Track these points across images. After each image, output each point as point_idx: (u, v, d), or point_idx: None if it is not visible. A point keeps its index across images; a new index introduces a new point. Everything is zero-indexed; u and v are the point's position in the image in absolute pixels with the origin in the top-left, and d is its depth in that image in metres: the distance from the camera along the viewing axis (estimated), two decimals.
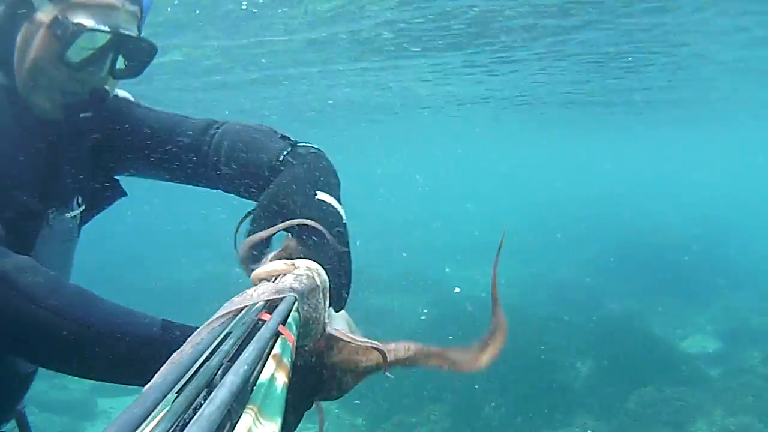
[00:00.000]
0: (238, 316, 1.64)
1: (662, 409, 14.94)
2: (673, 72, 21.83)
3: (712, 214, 42.89)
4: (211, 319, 1.60)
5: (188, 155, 2.83)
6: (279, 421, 1.39)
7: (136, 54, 2.76)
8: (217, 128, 2.80)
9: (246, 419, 1.30)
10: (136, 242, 36.01)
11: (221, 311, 1.64)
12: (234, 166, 2.74)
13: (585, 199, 49.77)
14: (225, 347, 1.48)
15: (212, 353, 1.45)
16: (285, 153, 2.60)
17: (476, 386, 15.97)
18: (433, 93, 25.98)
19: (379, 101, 27.99)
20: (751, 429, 13.83)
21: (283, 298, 1.78)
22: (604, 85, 24.42)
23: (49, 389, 16.42)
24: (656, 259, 28.45)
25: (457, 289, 23.48)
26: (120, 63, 2.70)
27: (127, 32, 2.58)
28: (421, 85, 24.22)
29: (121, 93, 3.08)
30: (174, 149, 2.85)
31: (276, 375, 1.50)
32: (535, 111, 32.32)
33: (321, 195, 2.40)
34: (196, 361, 1.38)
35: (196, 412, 1.22)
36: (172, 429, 1.20)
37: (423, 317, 20.80)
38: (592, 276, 27.93)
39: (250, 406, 1.35)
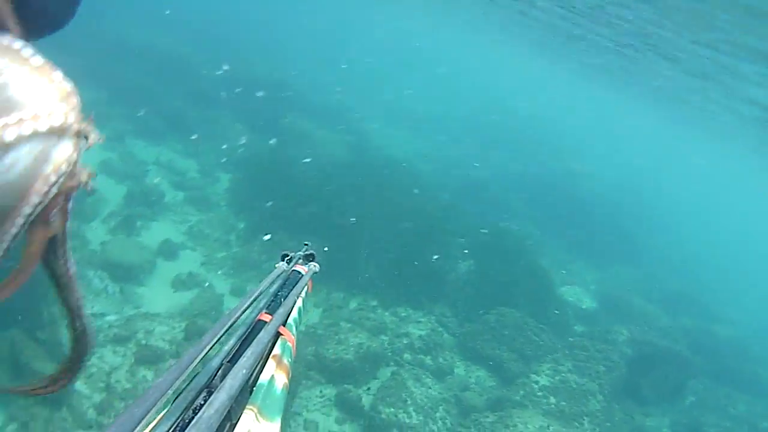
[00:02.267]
0: (239, 315, 1.64)
1: (516, 335, 15.21)
2: None
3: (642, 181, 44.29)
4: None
5: None
6: (279, 421, 1.41)
7: None
8: None
9: (246, 419, 1.33)
10: None
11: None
12: None
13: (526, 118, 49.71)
14: (225, 348, 1.53)
15: (212, 354, 1.48)
16: None
17: (365, 251, 16.66)
18: None
19: None
20: (590, 391, 13.85)
21: None
22: None
23: None
24: (572, 199, 29.05)
25: None
26: None
27: None
28: None
29: None
30: None
31: (276, 375, 1.52)
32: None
33: None
34: (196, 362, 1.37)
35: (196, 413, 1.27)
36: (172, 429, 1.24)
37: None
38: (514, 191, 28.30)
39: (251, 406, 1.37)
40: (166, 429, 1.21)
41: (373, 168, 21.37)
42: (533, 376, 13.97)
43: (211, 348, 1.43)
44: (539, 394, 13.44)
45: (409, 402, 12.24)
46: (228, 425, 1.30)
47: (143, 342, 11.66)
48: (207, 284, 15.20)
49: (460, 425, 12.15)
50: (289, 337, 1.67)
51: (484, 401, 13.23)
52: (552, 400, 13.32)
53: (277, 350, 1.58)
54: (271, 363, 1.52)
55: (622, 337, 16.58)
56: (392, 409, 11.97)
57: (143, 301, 13.88)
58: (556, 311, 17.10)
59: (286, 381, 1.53)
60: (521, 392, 13.41)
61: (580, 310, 19.51)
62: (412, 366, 13.77)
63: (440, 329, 15.47)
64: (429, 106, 41.31)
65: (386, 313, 15.55)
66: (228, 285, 15.29)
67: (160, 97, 24.14)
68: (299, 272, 2.12)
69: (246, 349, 1.45)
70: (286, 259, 2.30)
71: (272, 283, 1.96)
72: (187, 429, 1.16)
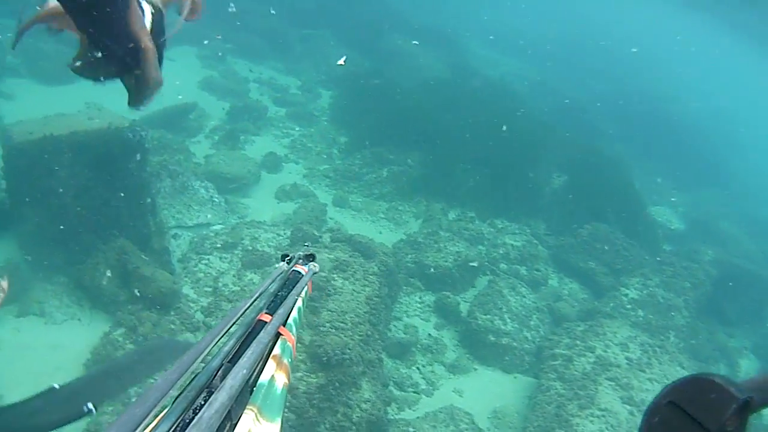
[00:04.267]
0: (239, 315, 1.66)
1: (605, 247, 15.47)
2: None
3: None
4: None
5: None
6: (279, 421, 1.45)
7: None
8: None
9: (246, 419, 1.35)
10: None
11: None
12: None
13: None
14: (225, 348, 1.54)
15: (213, 354, 1.49)
16: None
17: (464, 165, 17.07)
18: None
19: None
20: (675, 306, 14.10)
21: None
22: None
23: None
24: (665, 124, 28.68)
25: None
26: None
27: None
28: None
29: None
30: None
31: (276, 375, 1.55)
32: None
33: None
34: (196, 362, 1.39)
35: (196, 413, 1.26)
36: (172, 429, 1.25)
37: None
38: (609, 115, 28.08)
39: (251, 407, 1.40)
40: (167, 429, 1.22)
41: (470, 85, 21.56)
42: (623, 289, 14.26)
43: (211, 348, 1.47)
44: (628, 306, 13.75)
45: (504, 309, 12.69)
46: (228, 425, 1.32)
47: (249, 248, 12.14)
48: (311, 194, 15.69)
49: (553, 333, 12.56)
50: (289, 337, 1.70)
51: (576, 312, 13.61)
52: (640, 312, 13.62)
53: (277, 350, 1.61)
54: (271, 363, 1.55)
55: (707, 257, 16.59)
56: (488, 316, 12.42)
57: (248, 212, 14.50)
58: (641, 227, 17.32)
59: (286, 381, 1.57)
60: (611, 304, 13.73)
61: (668, 230, 19.71)
62: (507, 275, 14.13)
63: (535, 241, 15.82)
64: (531, 30, 40.82)
65: (484, 224, 15.90)
66: (330, 196, 15.84)
67: (259, 16, 24.37)
68: (299, 272, 2.15)
69: (246, 349, 1.49)
70: (287, 259, 2.28)
71: (272, 283, 2.00)
72: (188, 429, 1.18)
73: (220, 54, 21.67)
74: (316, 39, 25.21)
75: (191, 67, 20.96)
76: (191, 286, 11.18)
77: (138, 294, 10.27)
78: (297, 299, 1.91)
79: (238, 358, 1.44)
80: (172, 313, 10.29)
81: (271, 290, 1.92)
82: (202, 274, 11.48)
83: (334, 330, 9.84)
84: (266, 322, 1.66)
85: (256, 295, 1.81)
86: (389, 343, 11.37)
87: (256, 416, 1.36)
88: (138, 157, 11.64)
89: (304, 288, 2.03)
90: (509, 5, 46.66)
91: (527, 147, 17.62)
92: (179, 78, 19.29)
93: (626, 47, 40.73)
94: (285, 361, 1.61)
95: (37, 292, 10.36)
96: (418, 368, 11.51)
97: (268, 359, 1.56)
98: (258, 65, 22.34)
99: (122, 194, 11.29)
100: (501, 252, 15.05)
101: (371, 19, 26.51)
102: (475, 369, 11.82)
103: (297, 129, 19.00)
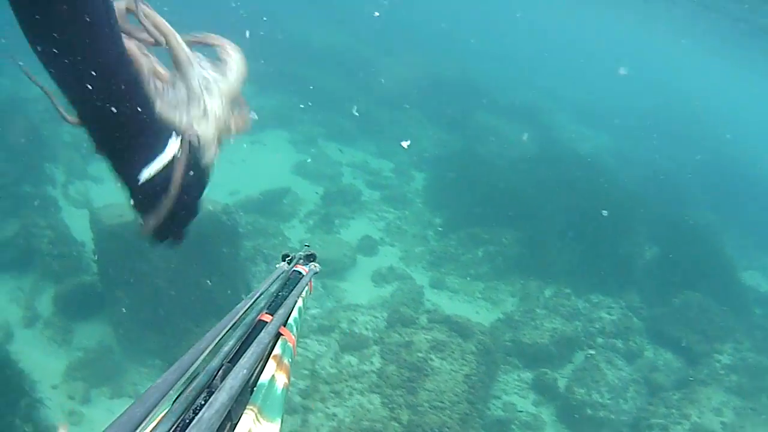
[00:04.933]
0: (239, 316, 1.66)
1: (699, 316, 15.43)
2: None
3: None
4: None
5: None
6: (279, 421, 1.44)
7: None
8: None
9: (246, 420, 1.35)
10: None
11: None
12: None
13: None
14: (225, 348, 1.53)
15: (213, 354, 1.49)
16: None
17: (557, 241, 17.36)
18: None
19: None
20: (766, 369, 13.98)
21: None
22: None
23: None
24: (752, 186, 28.63)
25: None
26: None
27: None
28: None
29: None
30: None
31: (276, 376, 1.54)
32: None
33: None
34: (196, 362, 1.39)
35: (197, 413, 1.26)
36: (172, 429, 1.25)
37: None
38: (695, 181, 27.82)
39: (251, 407, 1.39)
40: (167, 429, 1.22)
41: (560, 161, 21.77)
42: (716, 355, 14.24)
43: (211, 348, 1.47)
44: (721, 372, 13.70)
45: (601, 383, 12.74)
46: (228, 425, 1.32)
47: (347, 331, 12.28)
48: (407, 278, 15.77)
49: (649, 403, 12.59)
50: (290, 337, 1.70)
51: (672, 381, 13.57)
52: (733, 377, 13.55)
53: (277, 350, 1.62)
54: (271, 363, 1.55)
55: None
56: (585, 390, 12.51)
57: (345, 295, 14.65)
58: (733, 291, 17.33)
59: (287, 381, 1.56)
60: (705, 371, 13.71)
61: (758, 293, 19.39)
62: (604, 349, 14.23)
63: (629, 314, 15.79)
64: (612, 102, 41.20)
65: (579, 300, 15.93)
66: (427, 278, 16.02)
67: (347, 99, 24.97)
68: (300, 272, 2.16)
69: (246, 349, 1.49)
70: (287, 259, 2.29)
71: (273, 283, 1.99)
72: (188, 429, 1.19)
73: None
74: (406, 120, 25.64)
75: (283, 151, 21.57)
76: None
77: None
78: (298, 299, 1.92)
79: (239, 358, 1.44)
80: None
81: (272, 290, 1.93)
82: (299, 358, 11.56)
83: (432, 410, 10.02)
84: (267, 322, 1.66)
85: (257, 295, 1.82)
86: (488, 421, 11.42)
87: (257, 416, 1.37)
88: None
89: (305, 288, 2.04)
90: (596, 80, 47.15)
91: (619, 220, 17.73)
92: (271, 163, 19.98)
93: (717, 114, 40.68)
94: (285, 361, 1.61)
95: (131, 375, 10.83)
96: None
97: (268, 359, 1.57)
98: (349, 147, 22.86)
99: (215, 278, 11.60)
100: (597, 327, 15.13)
101: (459, 97, 26.93)
102: None
103: (392, 211, 19.30)
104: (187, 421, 1.26)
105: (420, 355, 11.20)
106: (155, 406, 1.21)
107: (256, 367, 1.51)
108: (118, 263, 11.22)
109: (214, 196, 13.06)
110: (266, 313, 1.75)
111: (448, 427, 9.62)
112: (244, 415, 1.35)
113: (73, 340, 11.72)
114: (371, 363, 11.42)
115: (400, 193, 20.49)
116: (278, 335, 1.67)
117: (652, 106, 40.84)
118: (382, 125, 24.94)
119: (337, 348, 11.94)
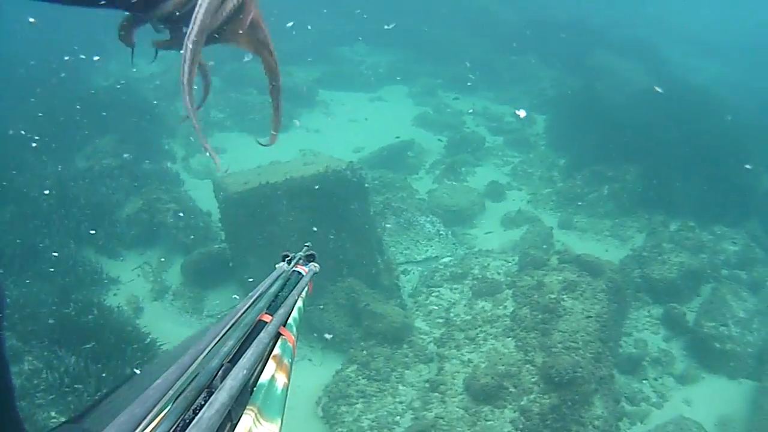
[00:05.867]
0: (239, 316, 1.67)
1: None
2: None
3: None
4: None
5: None
6: (279, 421, 1.44)
7: None
8: None
9: (246, 420, 1.35)
10: None
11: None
12: None
13: None
14: (225, 348, 1.52)
15: (212, 354, 1.49)
16: None
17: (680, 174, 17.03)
18: None
19: None
20: None
21: None
22: None
23: None
24: None
25: None
26: None
27: None
28: None
29: None
30: None
31: (276, 376, 1.54)
32: None
33: None
34: (196, 362, 1.41)
35: (196, 413, 1.26)
36: (172, 429, 1.25)
37: None
38: None
39: (251, 407, 1.39)
40: (167, 429, 1.22)
41: (677, 94, 21.35)
42: None
43: (211, 348, 1.48)
44: None
45: (728, 315, 12.55)
46: (228, 425, 1.32)
47: (479, 276, 12.36)
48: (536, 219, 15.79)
49: None
50: (290, 337, 1.69)
51: None
52: None
53: (277, 350, 1.61)
54: (271, 363, 1.55)
55: None
56: (713, 323, 12.35)
57: (476, 242, 14.78)
58: None
59: (287, 381, 1.55)
60: None
61: None
62: (729, 281, 13.94)
63: (752, 244, 15.54)
64: (725, 35, 39.64)
65: (704, 232, 15.67)
66: (555, 219, 16.11)
67: (464, 48, 25.01)
68: (300, 272, 2.15)
69: (246, 349, 1.49)
70: (287, 259, 2.28)
71: (272, 283, 1.99)
72: (188, 429, 1.19)
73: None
74: (523, 65, 25.59)
75: (404, 105, 21.87)
76: (423, 318, 11.66)
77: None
78: (297, 299, 1.91)
79: (239, 359, 1.44)
80: (405, 346, 10.75)
81: (272, 291, 1.91)
82: (433, 306, 11.89)
83: (565, 350, 10.00)
84: (266, 323, 1.65)
85: (257, 295, 1.81)
86: (620, 359, 11.38)
87: (257, 416, 1.36)
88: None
89: (304, 288, 2.03)
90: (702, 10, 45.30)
91: (738, 151, 17.45)
92: (393, 117, 20.32)
93: None
94: (285, 361, 1.60)
95: None
96: (648, 381, 11.50)
97: (268, 359, 1.56)
98: (469, 96, 22.89)
99: (345, 235, 11.73)
100: (722, 258, 14.94)
101: (572, 38, 26.58)
102: (703, 378, 11.77)
103: (516, 155, 19.36)
104: (187, 420, 1.26)
105: (552, 296, 11.22)
106: (155, 406, 1.24)
107: (256, 367, 1.51)
108: (246, 228, 11.49)
109: (338, 155, 13.34)
110: (266, 313, 1.75)
111: (581, 367, 9.63)
112: (244, 415, 1.36)
113: (204, 309, 12.13)
114: (504, 307, 11.51)
115: (523, 137, 20.48)
116: (278, 335, 1.67)
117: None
118: (500, 72, 24.92)
119: (470, 295, 12.10)
